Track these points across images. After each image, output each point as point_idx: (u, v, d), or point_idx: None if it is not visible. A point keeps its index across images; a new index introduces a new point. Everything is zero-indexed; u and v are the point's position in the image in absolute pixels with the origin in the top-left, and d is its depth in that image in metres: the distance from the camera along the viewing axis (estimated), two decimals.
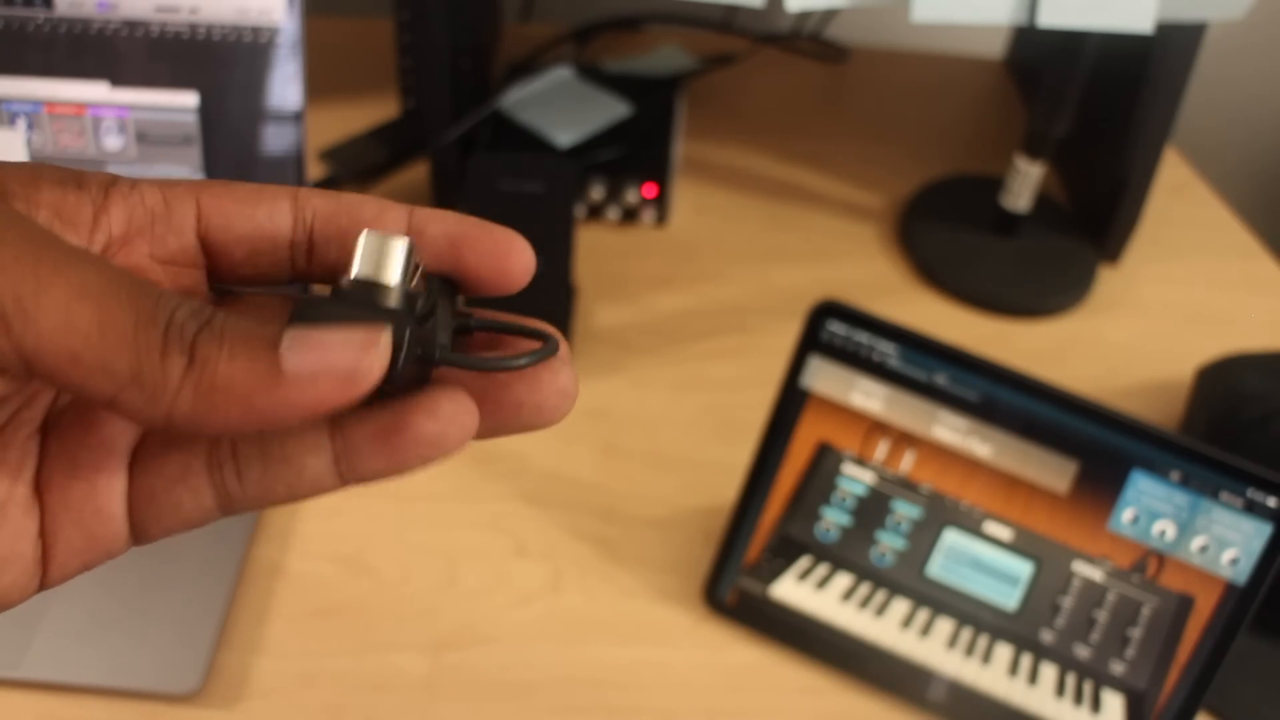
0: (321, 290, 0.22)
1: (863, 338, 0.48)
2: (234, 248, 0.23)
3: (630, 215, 0.74)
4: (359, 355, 0.18)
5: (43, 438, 0.21)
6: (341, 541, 0.54)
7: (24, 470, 0.21)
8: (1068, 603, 0.47)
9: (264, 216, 0.22)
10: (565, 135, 0.74)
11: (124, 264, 0.22)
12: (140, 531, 0.21)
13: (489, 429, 0.22)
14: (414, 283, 0.20)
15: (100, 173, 0.21)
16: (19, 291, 0.17)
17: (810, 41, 0.95)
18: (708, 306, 0.69)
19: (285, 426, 0.19)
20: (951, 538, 0.48)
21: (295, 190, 0.22)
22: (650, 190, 0.73)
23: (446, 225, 0.22)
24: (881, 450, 0.49)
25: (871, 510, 0.49)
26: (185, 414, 0.18)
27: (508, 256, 0.22)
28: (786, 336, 0.51)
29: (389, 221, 0.23)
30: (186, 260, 0.22)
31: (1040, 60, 0.82)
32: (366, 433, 0.21)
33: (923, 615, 0.49)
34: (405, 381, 0.20)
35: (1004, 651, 0.48)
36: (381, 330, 0.18)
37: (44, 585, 0.21)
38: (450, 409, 0.20)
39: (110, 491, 0.21)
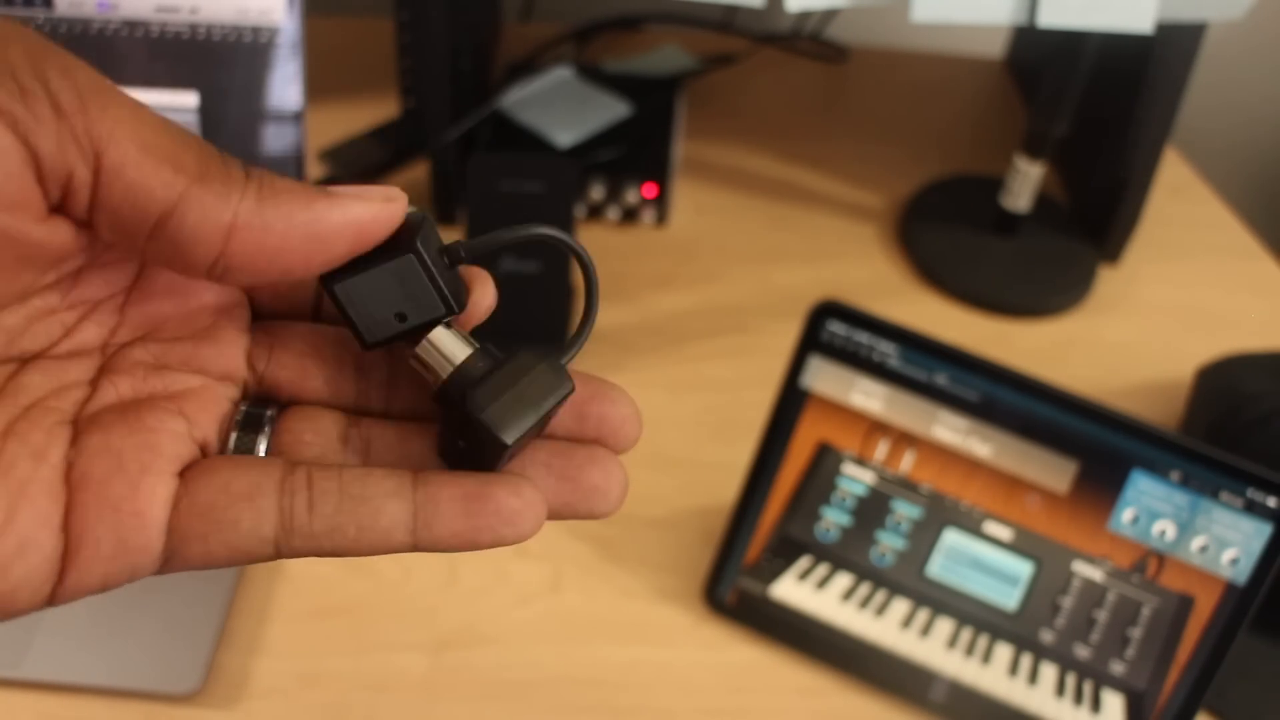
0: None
1: (863, 338, 0.48)
2: (259, 291, 0.24)
3: (630, 215, 0.74)
4: (387, 193, 0.21)
5: (76, 433, 0.20)
6: None
7: (49, 453, 0.20)
8: (1068, 603, 0.47)
9: None
10: (565, 135, 0.74)
11: None
12: (173, 551, 0.20)
13: (557, 510, 0.22)
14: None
15: None
16: (98, 84, 0.18)
17: (810, 41, 0.95)
18: (708, 306, 0.69)
19: (338, 251, 0.20)
20: (951, 538, 0.48)
21: None
22: (650, 190, 0.73)
23: None
24: (881, 450, 0.49)
25: (871, 510, 0.49)
26: (251, 212, 0.19)
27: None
28: (786, 336, 0.51)
29: None
30: (230, 300, 0.24)
31: (1040, 60, 0.82)
32: (452, 493, 0.21)
33: (923, 615, 0.49)
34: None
35: (1004, 651, 0.48)
36: (395, 189, 0.21)
37: (57, 593, 0.20)
38: (532, 493, 0.21)
39: (154, 495, 0.20)
